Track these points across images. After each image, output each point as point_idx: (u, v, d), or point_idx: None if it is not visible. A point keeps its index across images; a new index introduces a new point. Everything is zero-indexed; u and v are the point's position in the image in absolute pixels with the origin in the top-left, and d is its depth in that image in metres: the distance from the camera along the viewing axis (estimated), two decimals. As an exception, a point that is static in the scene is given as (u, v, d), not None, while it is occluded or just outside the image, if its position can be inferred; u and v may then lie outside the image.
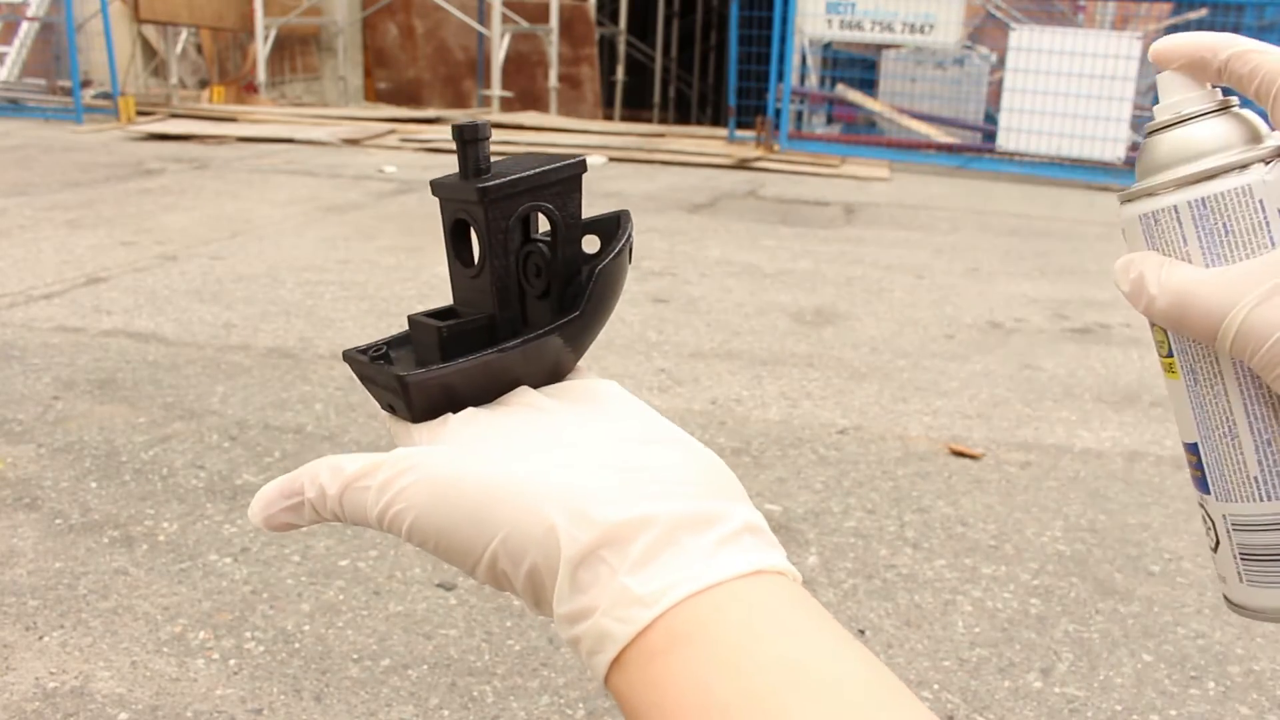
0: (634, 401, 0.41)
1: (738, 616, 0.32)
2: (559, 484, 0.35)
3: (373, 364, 0.43)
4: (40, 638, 1.53)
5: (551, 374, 0.44)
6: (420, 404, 0.41)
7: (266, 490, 0.39)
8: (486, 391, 0.42)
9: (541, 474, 0.35)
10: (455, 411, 0.41)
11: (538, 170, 0.42)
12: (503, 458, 0.36)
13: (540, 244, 0.43)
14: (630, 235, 0.45)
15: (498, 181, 0.41)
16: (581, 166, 0.44)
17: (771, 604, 0.33)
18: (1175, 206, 0.40)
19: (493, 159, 0.43)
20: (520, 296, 0.44)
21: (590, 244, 0.45)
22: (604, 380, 0.43)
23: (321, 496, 0.38)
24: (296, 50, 10.27)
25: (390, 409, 0.43)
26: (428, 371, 0.41)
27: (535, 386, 0.43)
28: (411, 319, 0.44)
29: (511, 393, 0.42)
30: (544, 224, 0.44)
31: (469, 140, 0.42)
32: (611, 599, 0.33)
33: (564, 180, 0.43)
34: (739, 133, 7.88)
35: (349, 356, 0.44)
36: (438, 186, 0.43)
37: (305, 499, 0.38)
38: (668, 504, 0.34)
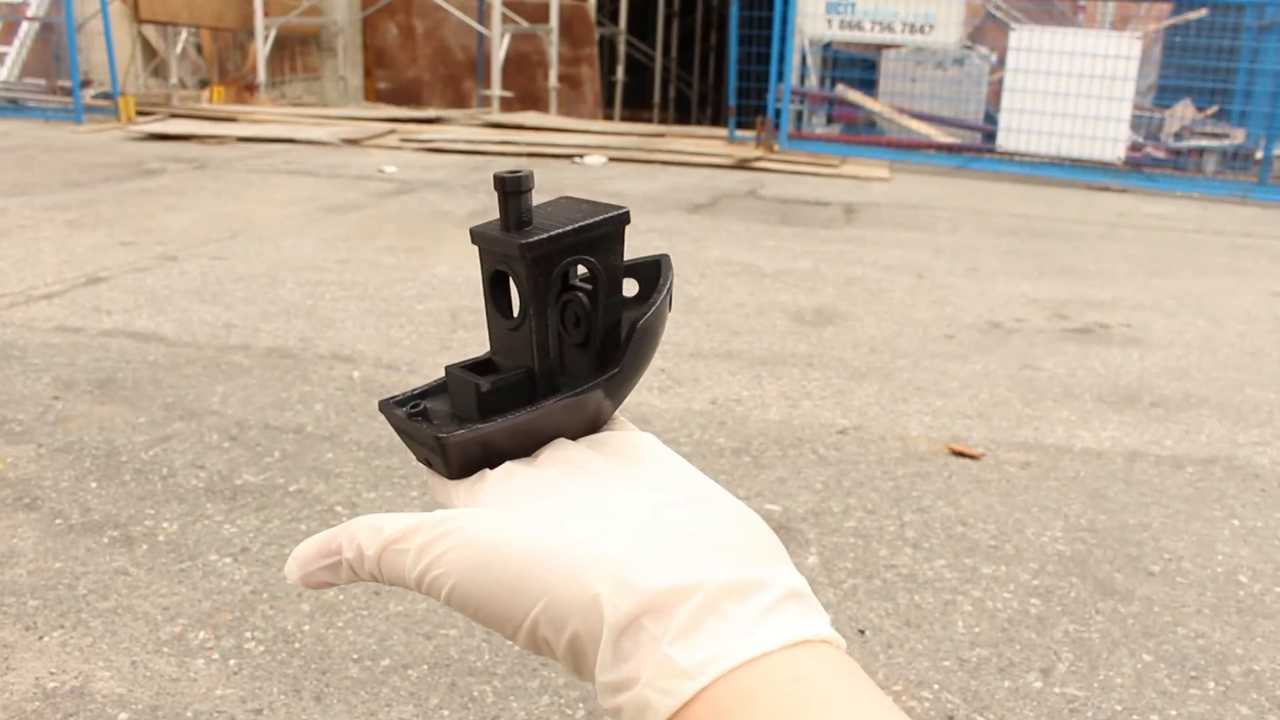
0: (673, 457, 0.41)
1: (784, 690, 0.31)
2: (601, 551, 0.34)
3: (410, 420, 0.42)
4: (40, 638, 1.53)
5: (590, 425, 0.44)
6: (459, 462, 0.41)
7: (304, 548, 0.39)
8: (525, 445, 0.42)
9: (583, 540, 0.35)
10: (493, 466, 0.41)
11: (581, 224, 0.41)
12: (544, 522, 0.36)
13: (579, 293, 0.43)
14: (670, 284, 0.45)
15: (541, 237, 0.40)
16: (625, 219, 0.43)
17: (817, 676, 0.32)
18: None
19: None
20: (558, 345, 0.43)
21: (628, 285, 0.45)
22: (643, 433, 0.43)
23: (359, 557, 0.37)
24: (296, 50, 10.27)
25: (427, 463, 0.43)
26: (468, 431, 0.40)
27: (573, 437, 0.43)
28: (449, 372, 0.44)
29: (549, 445, 0.42)
30: (582, 267, 0.44)
31: (511, 192, 0.41)
32: (654, 670, 0.32)
33: (607, 234, 0.42)
34: (739, 133, 7.88)
35: (385, 409, 0.43)
36: (478, 236, 0.42)
37: (343, 559, 0.38)
38: (711, 571, 0.34)
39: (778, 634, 0.33)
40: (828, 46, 8.18)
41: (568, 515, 0.36)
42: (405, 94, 10.71)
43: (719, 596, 0.33)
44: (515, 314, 0.43)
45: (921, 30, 7.35)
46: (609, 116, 11.65)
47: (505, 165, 6.58)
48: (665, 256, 0.46)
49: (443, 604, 0.36)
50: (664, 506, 0.37)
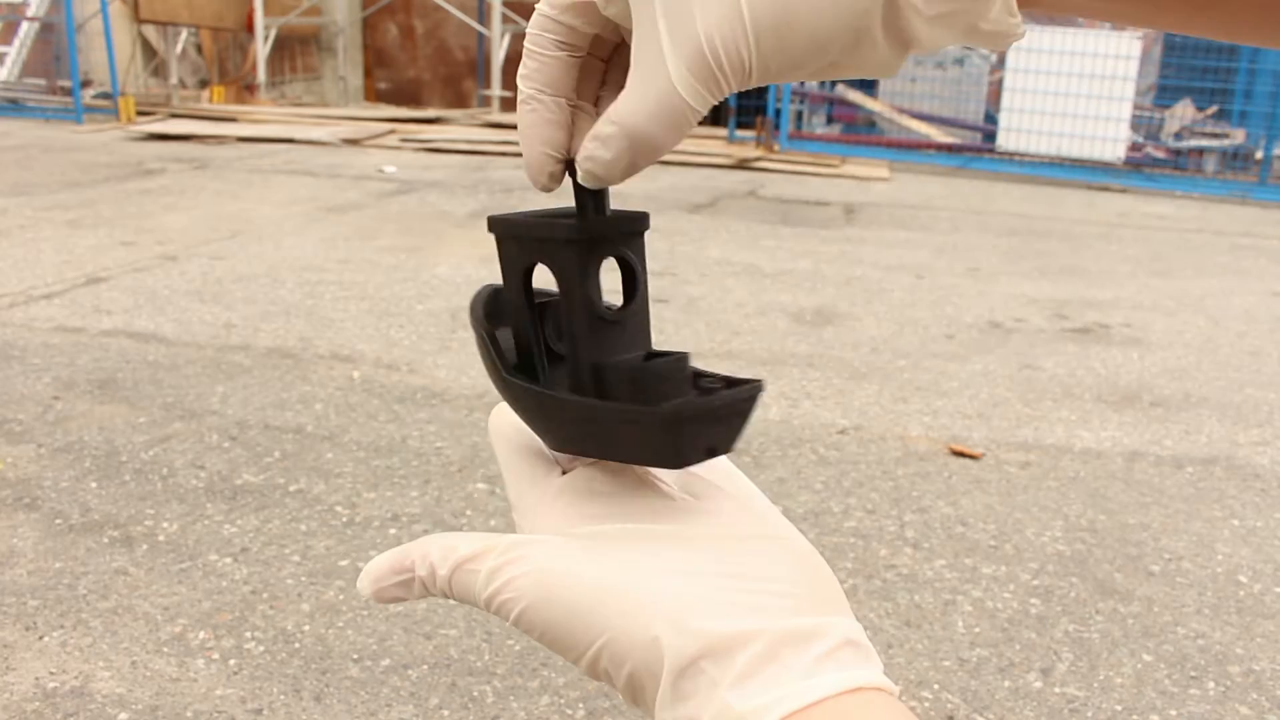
0: (747, 485, 0.41)
1: None
2: (665, 591, 0.35)
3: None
4: (40, 638, 1.53)
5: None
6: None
7: (377, 564, 0.39)
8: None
9: (647, 579, 0.36)
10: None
11: (627, 216, 0.40)
12: (611, 557, 0.37)
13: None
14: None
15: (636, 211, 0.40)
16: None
17: None
18: None
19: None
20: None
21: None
22: (720, 457, 0.42)
23: (432, 575, 0.38)
24: (296, 50, 10.27)
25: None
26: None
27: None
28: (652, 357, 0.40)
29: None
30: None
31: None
32: (713, 713, 0.33)
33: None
34: (739, 133, 7.88)
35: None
36: (587, 229, 0.39)
37: (416, 576, 0.39)
38: (771, 619, 0.35)
39: (832, 682, 0.33)
40: (828, 46, 8.16)
41: (636, 550, 0.37)
42: (405, 94, 10.72)
43: (778, 643, 0.34)
44: (623, 301, 0.41)
45: (921, 30, 7.34)
46: (609, 116, 11.63)
47: (506, 166, 6.56)
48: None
49: (511, 625, 0.37)
50: (732, 541, 0.38)
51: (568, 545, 0.37)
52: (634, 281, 0.40)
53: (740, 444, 2.29)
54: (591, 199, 0.39)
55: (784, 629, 0.34)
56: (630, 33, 0.36)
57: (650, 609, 0.35)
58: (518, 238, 0.40)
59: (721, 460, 0.42)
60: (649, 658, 0.34)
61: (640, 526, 0.38)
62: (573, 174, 0.39)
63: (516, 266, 0.40)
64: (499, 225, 0.40)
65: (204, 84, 9.79)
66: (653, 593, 0.35)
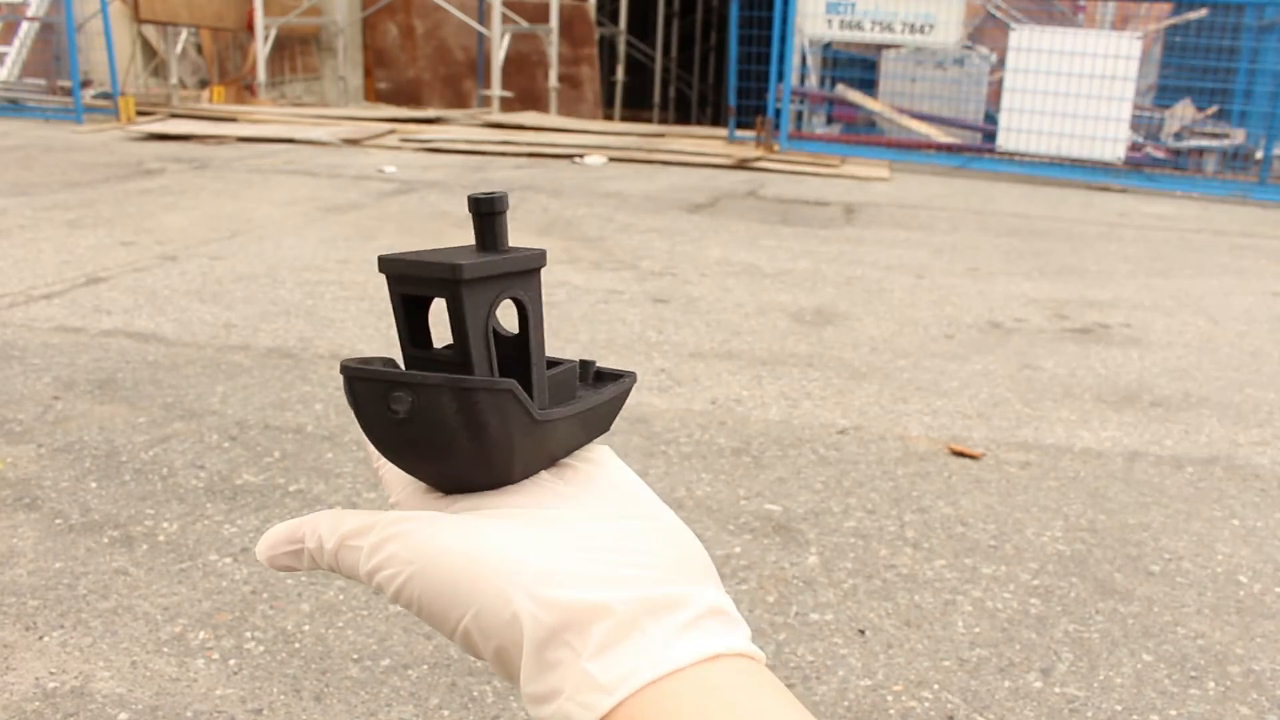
0: (622, 471, 0.42)
1: (691, 703, 0.33)
2: (527, 565, 0.36)
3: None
4: (40, 638, 1.53)
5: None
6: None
7: (274, 531, 0.40)
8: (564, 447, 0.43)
9: (513, 554, 0.36)
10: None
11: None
12: (482, 534, 0.37)
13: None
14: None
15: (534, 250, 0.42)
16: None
17: (729, 689, 0.33)
18: None
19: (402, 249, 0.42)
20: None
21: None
22: (601, 446, 0.44)
23: (319, 548, 0.39)
24: (296, 50, 10.27)
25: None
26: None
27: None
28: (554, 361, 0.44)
29: None
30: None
31: (487, 214, 0.40)
32: (575, 684, 0.34)
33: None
34: (739, 133, 7.88)
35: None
36: (488, 264, 0.39)
37: (305, 548, 0.40)
38: (631, 589, 0.35)
39: (693, 649, 0.34)
40: (828, 46, 8.19)
41: (509, 527, 0.38)
42: (405, 94, 10.72)
43: (638, 613, 0.34)
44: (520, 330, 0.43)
45: (921, 30, 7.35)
46: (609, 116, 11.65)
47: (506, 166, 6.56)
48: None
49: (391, 601, 0.38)
50: (599, 520, 0.38)
51: (449, 520, 0.38)
52: (526, 320, 0.41)
53: (739, 444, 2.26)
54: (490, 234, 0.40)
55: (646, 598, 0.35)
56: None
57: (511, 581, 0.35)
58: (412, 277, 0.39)
59: (607, 450, 0.43)
60: (511, 632, 0.35)
61: (516, 510, 0.39)
62: (472, 209, 0.40)
63: (410, 307, 0.41)
64: (389, 265, 0.40)
65: (204, 84, 9.79)
66: (514, 566, 0.35)
